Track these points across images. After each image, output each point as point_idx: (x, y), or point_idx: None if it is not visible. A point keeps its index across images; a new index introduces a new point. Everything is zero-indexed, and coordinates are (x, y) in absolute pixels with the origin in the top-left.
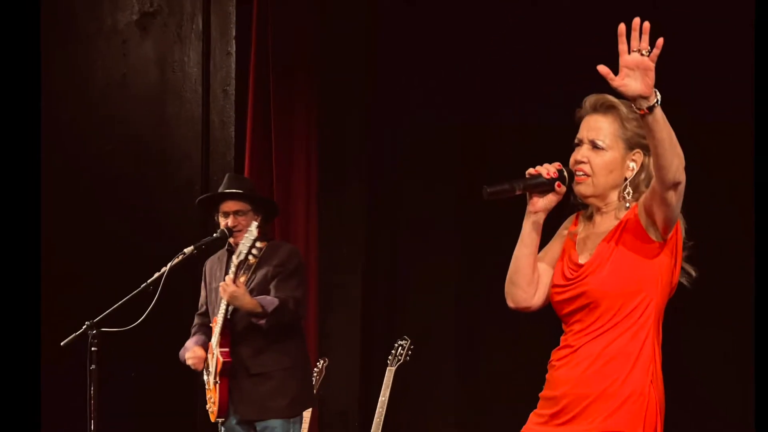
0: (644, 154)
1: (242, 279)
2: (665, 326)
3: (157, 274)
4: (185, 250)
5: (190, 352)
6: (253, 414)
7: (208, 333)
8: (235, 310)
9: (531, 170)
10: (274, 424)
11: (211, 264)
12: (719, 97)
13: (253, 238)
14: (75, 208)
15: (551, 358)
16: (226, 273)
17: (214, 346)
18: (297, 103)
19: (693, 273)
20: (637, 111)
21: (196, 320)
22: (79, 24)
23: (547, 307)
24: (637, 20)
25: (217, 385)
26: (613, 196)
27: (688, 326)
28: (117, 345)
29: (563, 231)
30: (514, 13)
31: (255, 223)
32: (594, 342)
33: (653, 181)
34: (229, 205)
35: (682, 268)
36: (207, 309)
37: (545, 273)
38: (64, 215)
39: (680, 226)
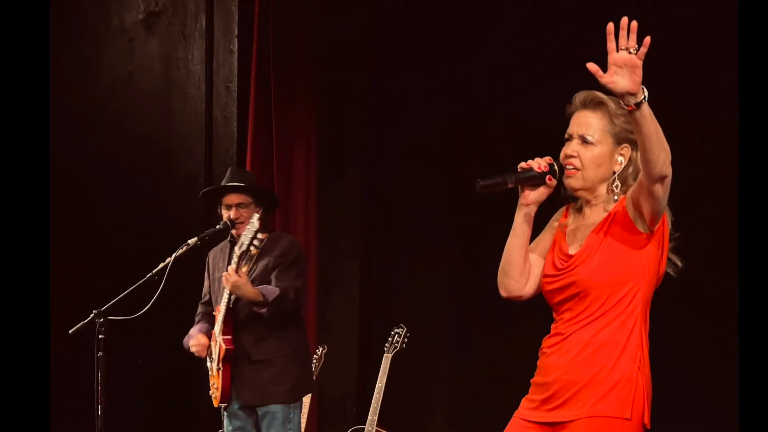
0: (632, 149)
1: (244, 269)
2: (652, 315)
3: (162, 264)
4: (189, 241)
5: (194, 340)
6: (254, 399)
7: (211, 321)
8: (237, 299)
9: (523, 164)
10: (275, 409)
11: (214, 254)
12: (705, 93)
13: (254, 229)
14: (83, 200)
15: (542, 346)
16: (229, 263)
17: (217, 333)
18: (297, 99)
19: (679, 263)
20: (625, 107)
21: (200, 309)
22: (88, 23)
23: (539, 296)
24: (625, 19)
25: (220, 372)
26: (602, 189)
27: (674, 315)
28: (123, 333)
29: (554, 223)
30: (515, 13)
31: (256, 215)
32: (583, 330)
33: (641, 175)
34: (232, 198)
35: (669, 259)
36: (210, 298)
37: (536, 263)
38: (73, 207)
39: (667, 218)
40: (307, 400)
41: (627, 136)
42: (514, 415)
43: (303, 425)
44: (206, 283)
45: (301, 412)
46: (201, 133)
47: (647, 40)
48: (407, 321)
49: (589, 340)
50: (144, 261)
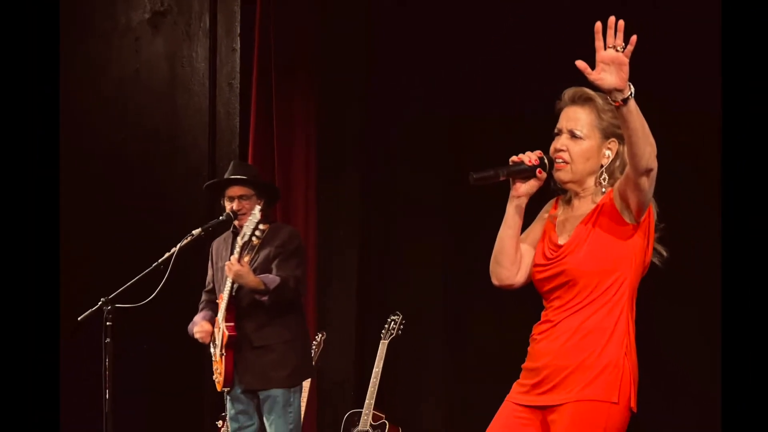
0: (619, 143)
1: (246, 259)
2: (638, 303)
3: (167, 254)
4: (194, 232)
5: (198, 326)
6: (256, 384)
7: (214, 309)
8: (239, 287)
9: (514, 158)
10: (276, 393)
11: (217, 245)
12: (689, 89)
13: (256, 220)
14: (91, 192)
15: (533, 332)
16: (232, 253)
17: (220, 320)
18: (297, 95)
19: (664, 253)
20: (613, 103)
21: (204, 297)
22: (96, 22)
23: (529, 284)
24: (612, 18)
25: (223, 357)
26: (590, 181)
27: (659, 303)
28: (130, 320)
29: (544, 214)
30: (515, 13)
31: (258, 207)
32: (572, 317)
33: (627, 168)
34: (234, 190)
35: (654, 249)
36: (213, 286)
37: (527, 253)
38: (82, 199)
39: (652, 209)
40: (306, 384)
41: (614, 131)
42: (505, 399)
43: (303, 409)
44: (210, 272)
45: (301, 396)
46: (204, 127)
47: (633, 38)
48: (403, 309)
49: (578, 326)
50: (150, 251)
